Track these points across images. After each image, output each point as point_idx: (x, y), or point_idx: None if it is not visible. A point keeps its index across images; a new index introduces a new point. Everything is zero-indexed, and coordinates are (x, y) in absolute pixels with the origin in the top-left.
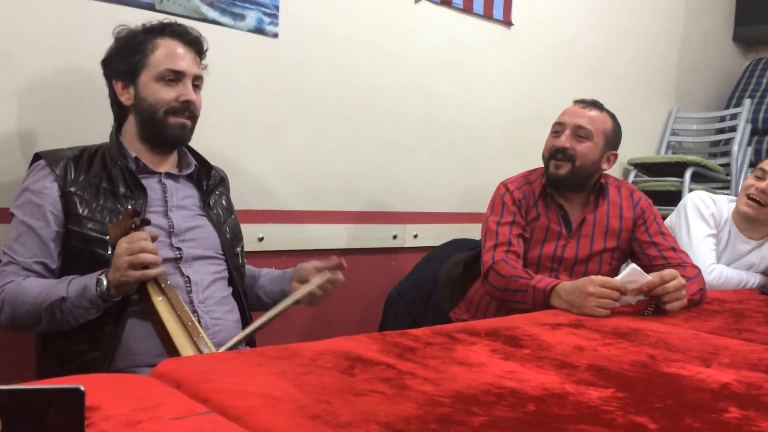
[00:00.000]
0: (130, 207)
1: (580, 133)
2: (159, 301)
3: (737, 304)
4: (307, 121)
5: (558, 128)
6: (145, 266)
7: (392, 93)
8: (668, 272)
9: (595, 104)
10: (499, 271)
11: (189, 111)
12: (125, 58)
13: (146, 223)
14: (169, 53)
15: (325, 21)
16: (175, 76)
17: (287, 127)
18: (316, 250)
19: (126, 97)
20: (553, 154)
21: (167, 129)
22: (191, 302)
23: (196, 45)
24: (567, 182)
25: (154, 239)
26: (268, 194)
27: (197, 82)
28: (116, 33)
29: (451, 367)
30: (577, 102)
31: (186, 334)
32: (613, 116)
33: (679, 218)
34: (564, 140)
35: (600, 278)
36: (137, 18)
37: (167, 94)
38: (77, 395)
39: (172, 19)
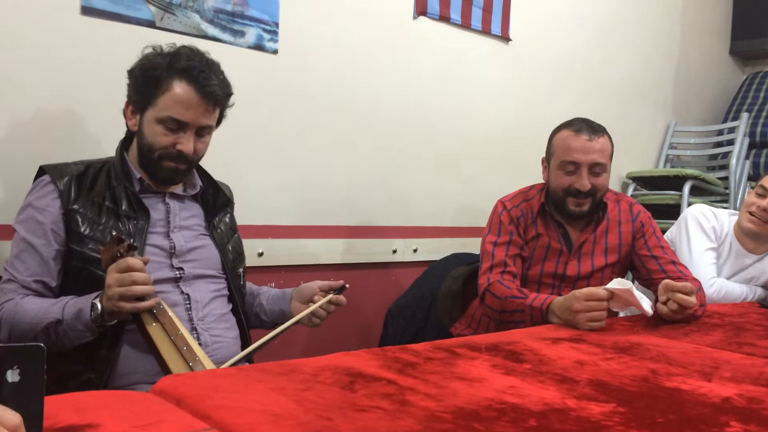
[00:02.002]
0: (114, 233)
1: (596, 170)
2: (153, 328)
3: (737, 318)
4: (307, 137)
5: (572, 168)
6: (138, 297)
7: (391, 108)
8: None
9: (595, 129)
10: (494, 292)
11: (183, 158)
12: (140, 87)
13: (133, 249)
14: (177, 101)
15: (324, 37)
16: (177, 125)
17: (287, 143)
18: (315, 266)
19: (132, 123)
20: (572, 193)
21: (159, 171)
22: (190, 320)
23: (212, 98)
24: (589, 214)
25: (144, 264)
26: (267, 210)
27: (203, 131)
28: (144, 52)
29: (452, 383)
30: (580, 133)
31: (181, 360)
32: (608, 133)
33: (679, 231)
34: (585, 182)
35: (584, 292)
36: (137, 34)
37: (164, 139)
38: (39, 351)
39: (179, 38)
